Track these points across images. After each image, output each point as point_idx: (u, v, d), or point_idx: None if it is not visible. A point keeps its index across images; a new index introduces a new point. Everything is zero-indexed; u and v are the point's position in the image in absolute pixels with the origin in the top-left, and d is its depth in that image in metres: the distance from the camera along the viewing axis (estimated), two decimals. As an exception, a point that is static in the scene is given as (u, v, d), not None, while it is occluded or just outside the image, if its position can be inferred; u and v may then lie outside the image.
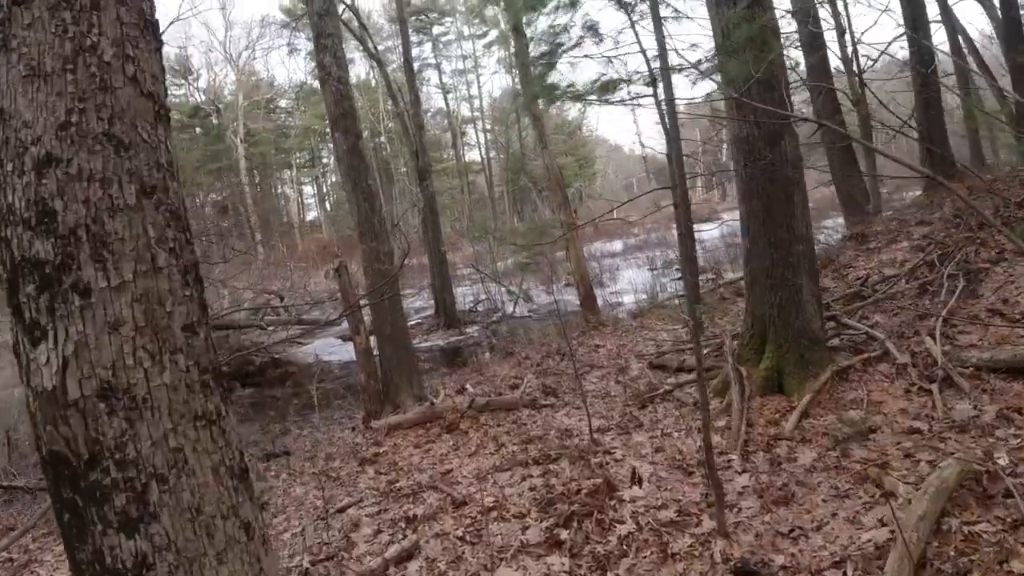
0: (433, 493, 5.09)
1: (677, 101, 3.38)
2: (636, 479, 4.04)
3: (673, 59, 5.76)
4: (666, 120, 3.36)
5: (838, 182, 13.00)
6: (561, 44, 6.47)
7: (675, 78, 5.22)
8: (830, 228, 15.76)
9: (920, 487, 3.51)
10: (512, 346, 12.70)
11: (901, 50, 13.49)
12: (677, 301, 13.86)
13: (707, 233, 22.93)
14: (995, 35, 16.89)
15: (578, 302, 12.34)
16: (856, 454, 4.18)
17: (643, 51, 3.43)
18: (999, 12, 15.30)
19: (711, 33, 5.17)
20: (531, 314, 16.86)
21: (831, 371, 4.96)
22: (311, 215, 43.69)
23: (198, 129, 38.30)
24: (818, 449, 4.33)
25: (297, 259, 30.80)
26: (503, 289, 17.33)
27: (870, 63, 12.64)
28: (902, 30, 15.00)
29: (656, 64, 4.28)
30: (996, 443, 3.85)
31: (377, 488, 5.74)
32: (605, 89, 3.95)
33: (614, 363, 9.03)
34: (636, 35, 3.58)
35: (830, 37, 13.20)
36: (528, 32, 10.20)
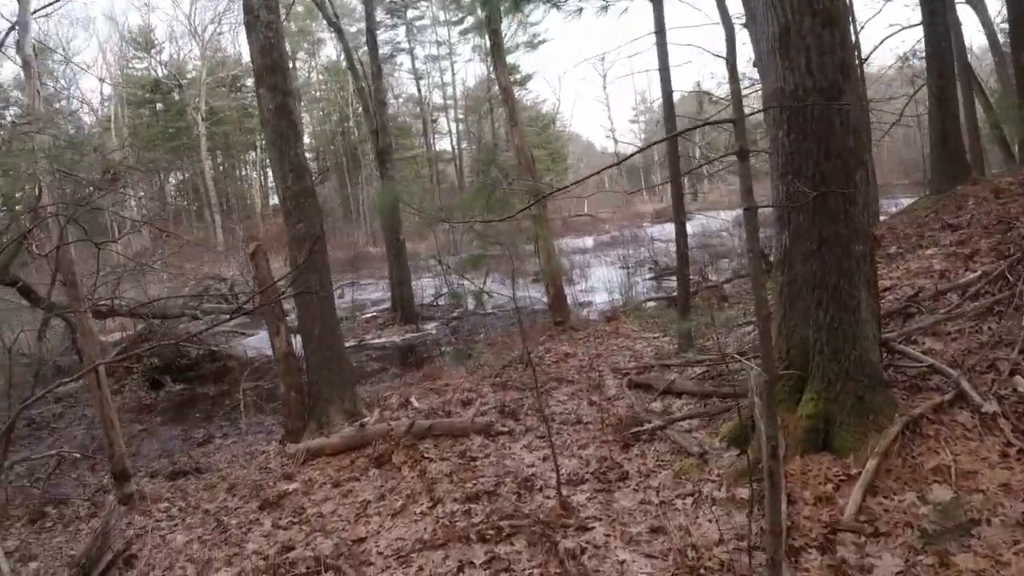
0: (330, 582, 3.45)
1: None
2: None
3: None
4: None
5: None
6: None
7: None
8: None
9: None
10: (471, 348, 11.09)
11: (902, 43, 12.19)
12: (652, 303, 12.40)
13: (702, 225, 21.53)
14: (987, 42, 15.73)
15: (546, 301, 10.74)
16: (959, 562, 2.65)
17: None
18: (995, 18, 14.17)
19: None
20: (496, 311, 15.23)
21: (901, 423, 3.42)
22: (276, 199, 41.20)
23: (159, 105, 35.80)
24: (901, 550, 2.80)
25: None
26: (464, 284, 15.66)
27: (871, 53, 11.26)
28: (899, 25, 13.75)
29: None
30: None
31: (265, 556, 4.07)
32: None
33: (586, 377, 7.46)
34: None
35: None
36: None
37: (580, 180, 3.98)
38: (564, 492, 3.96)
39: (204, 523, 5.04)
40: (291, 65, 38.39)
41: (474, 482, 4.53)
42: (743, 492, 3.41)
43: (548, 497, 4.05)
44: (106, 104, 32.27)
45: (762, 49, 3.63)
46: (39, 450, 7.99)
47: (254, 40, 6.81)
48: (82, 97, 30.59)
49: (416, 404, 7.34)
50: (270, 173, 41.53)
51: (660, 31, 6.90)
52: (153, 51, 34.28)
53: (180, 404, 10.88)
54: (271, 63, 6.78)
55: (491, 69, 37.10)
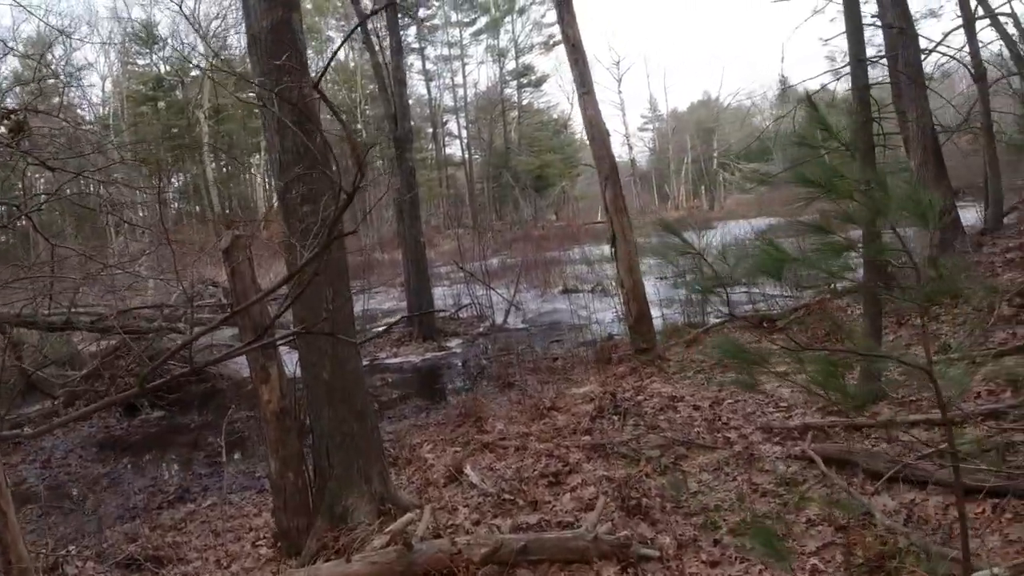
0: None
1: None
2: None
3: None
4: None
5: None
6: None
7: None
8: None
9: None
10: (512, 374, 8.30)
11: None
12: (724, 327, 9.27)
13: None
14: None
15: (617, 319, 8.06)
16: None
17: None
18: None
19: None
20: (528, 327, 12.57)
21: None
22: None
23: (161, 103, 33.00)
24: None
25: (258, 249, 26.03)
26: (487, 294, 13.01)
27: None
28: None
29: None
30: None
31: None
32: None
33: (722, 438, 4.85)
34: None
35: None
36: None
37: None
38: None
39: None
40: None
41: None
42: None
43: None
44: (108, 102, 29.45)
45: None
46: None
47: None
48: (83, 94, 27.69)
49: (474, 478, 4.70)
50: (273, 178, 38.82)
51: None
52: (155, 47, 31.48)
53: (157, 436, 8.44)
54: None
55: (507, 77, 34.10)
